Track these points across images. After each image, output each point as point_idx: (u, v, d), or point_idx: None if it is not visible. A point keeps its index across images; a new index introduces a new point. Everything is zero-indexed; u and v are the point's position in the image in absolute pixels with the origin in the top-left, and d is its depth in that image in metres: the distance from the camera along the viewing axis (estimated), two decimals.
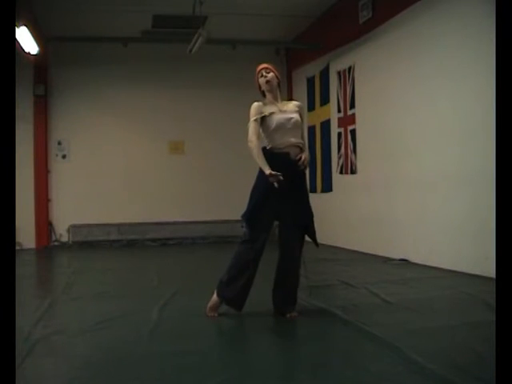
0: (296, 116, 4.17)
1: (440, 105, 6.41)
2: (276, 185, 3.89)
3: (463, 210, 5.99)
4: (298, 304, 4.46)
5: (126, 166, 10.70)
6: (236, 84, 10.79)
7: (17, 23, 6.82)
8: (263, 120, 4.11)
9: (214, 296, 4.20)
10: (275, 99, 4.23)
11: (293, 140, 4.09)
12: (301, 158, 4.09)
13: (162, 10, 8.89)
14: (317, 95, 9.84)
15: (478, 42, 5.67)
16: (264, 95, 4.28)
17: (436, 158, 6.50)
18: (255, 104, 4.15)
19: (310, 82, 10.10)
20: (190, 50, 8.43)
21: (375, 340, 3.46)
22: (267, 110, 4.13)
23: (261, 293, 4.28)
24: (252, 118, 4.09)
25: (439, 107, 6.43)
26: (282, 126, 4.08)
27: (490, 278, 5.14)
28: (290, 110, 4.20)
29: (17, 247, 9.27)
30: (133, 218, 10.58)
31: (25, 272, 6.81)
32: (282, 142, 4.07)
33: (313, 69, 9.94)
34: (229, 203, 10.59)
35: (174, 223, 10.75)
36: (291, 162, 4.07)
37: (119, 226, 10.60)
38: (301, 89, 10.55)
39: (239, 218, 4.10)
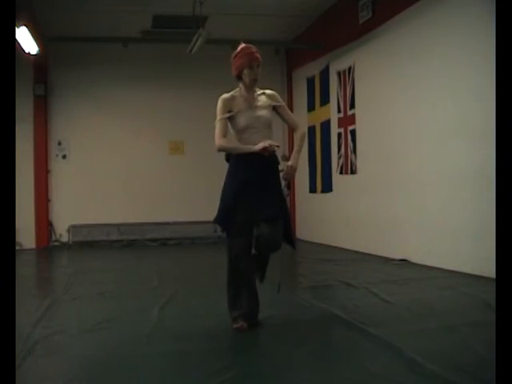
0: (265, 113, 3.85)
1: (440, 105, 6.41)
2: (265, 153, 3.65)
3: (463, 210, 5.99)
4: (298, 304, 4.47)
5: (126, 166, 10.71)
6: (236, 84, 10.78)
7: (17, 23, 6.82)
8: (231, 117, 3.81)
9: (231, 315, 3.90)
10: (248, 91, 3.88)
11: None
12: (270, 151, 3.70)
13: (162, 10, 8.89)
14: (317, 95, 9.84)
15: (478, 42, 5.66)
16: (239, 79, 3.90)
17: (436, 158, 6.50)
18: (224, 97, 3.84)
19: (310, 82, 10.10)
20: (190, 50, 8.44)
21: (375, 340, 3.46)
22: (236, 105, 3.80)
23: (260, 294, 4.27)
24: (218, 117, 3.79)
25: (439, 107, 6.43)
26: (249, 126, 3.78)
27: (490, 278, 5.14)
28: (261, 105, 3.86)
29: (17, 247, 9.27)
30: (133, 218, 10.58)
31: (25, 272, 6.82)
32: (252, 142, 3.75)
33: (313, 69, 9.94)
34: None
35: (174, 223, 10.75)
36: (262, 161, 3.75)
37: (119, 226, 10.60)
38: (301, 89, 10.55)
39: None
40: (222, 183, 3.96)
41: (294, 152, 3.94)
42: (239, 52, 3.86)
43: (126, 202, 10.58)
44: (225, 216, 3.79)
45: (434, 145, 6.55)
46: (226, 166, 4.07)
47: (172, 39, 9.68)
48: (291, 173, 3.87)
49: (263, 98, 3.93)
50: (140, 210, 10.60)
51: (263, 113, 3.85)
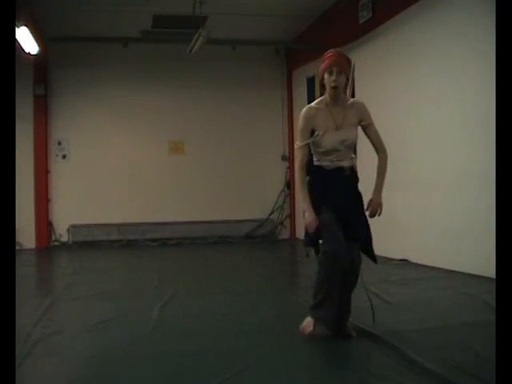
0: (352, 135, 3.57)
1: (440, 105, 6.41)
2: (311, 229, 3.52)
3: (463, 210, 5.98)
4: (297, 304, 4.47)
5: (126, 166, 10.69)
6: (236, 84, 10.80)
7: (17, 23, 6.82)
8: (312, 135, 3.51)
9: (308, 318, 3.68)
10: (335, 103, 3.54)
11: (345, 163, 3.60)
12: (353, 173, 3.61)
13: (162, 10, 8.88)
14: (317, 95, 9.81)
15: (478, 42, 5.66)
16: (323, 88, 3.57)
17: (436, 158, 6.50)
18: (306, 113, 3.53)
19: (310, 82, 10.10)
20: (190, 50, 8.44)
21: (375, 340, 3.46)
22: (320, 124, 3.49)
23: (260, 294, 4.27)
24: (299, 142, 3.53)
25: (439, 107, 6.42)
26: (333, 150, 3.52)
27: (490, 278, 5.13)
28: (349, 123, 3.55)
29: (17, 247, 9.26)
30: (133, 217, 10.57)
31: (25, 272, 6.81)
32: (333, 163, 3.57)
33: (313, 69, 9.93)
34: (229, 203, 10.60)
35: (174, 223, 10.74)
36: (344, 178, 3.61)
37: (119, 226, 10.59)
38: (301, 89, 10.55)
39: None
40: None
41: (376, 184, 3.71)
42: (323, 56, 3.54)
43: (126, 202, 10.56)
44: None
45: (434, 145, 6.54)
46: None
47: (172, 39, 9.67)
48: (376, 208, 3.72)
49: (352, 112, 3.59)
50: (140, 210, 10.59)
51: (350, 135, 3.56)
